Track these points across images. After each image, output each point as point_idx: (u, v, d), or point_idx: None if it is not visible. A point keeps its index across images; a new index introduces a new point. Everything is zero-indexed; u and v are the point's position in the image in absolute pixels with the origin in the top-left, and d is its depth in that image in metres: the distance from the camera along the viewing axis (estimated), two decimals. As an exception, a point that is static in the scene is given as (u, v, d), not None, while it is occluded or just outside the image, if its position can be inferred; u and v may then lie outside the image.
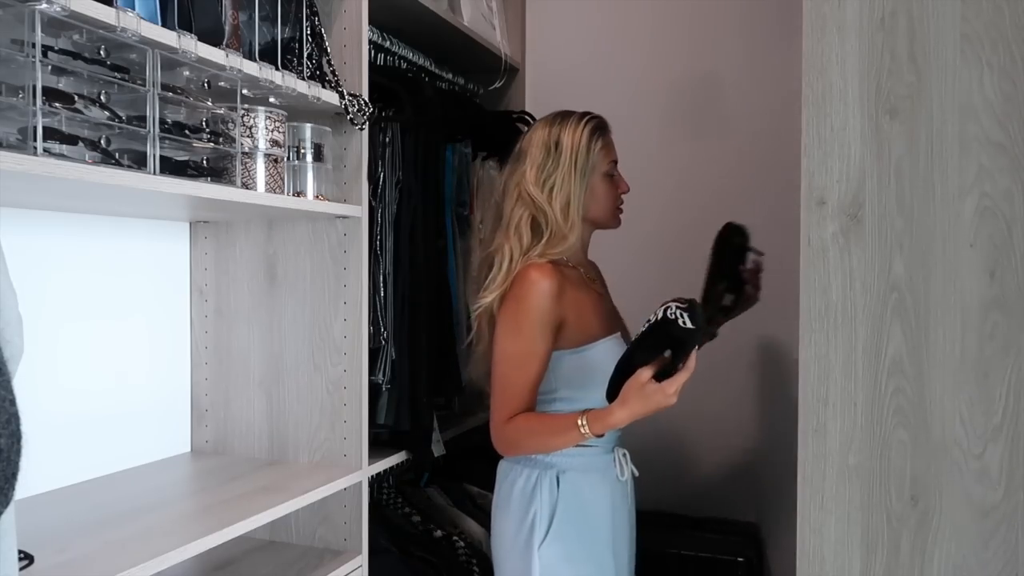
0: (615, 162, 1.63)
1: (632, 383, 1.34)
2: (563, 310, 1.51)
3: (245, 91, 1.35)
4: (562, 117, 1.61)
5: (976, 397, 1.13)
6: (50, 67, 1.02)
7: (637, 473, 1.67)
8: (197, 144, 1.26)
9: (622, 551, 1.64)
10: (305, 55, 1.49)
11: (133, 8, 1.12)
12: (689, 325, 1.27)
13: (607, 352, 1.53)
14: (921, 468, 1.15)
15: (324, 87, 1.53)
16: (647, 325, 1.33)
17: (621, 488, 1.64)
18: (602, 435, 1.43)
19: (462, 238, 2.06)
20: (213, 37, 1.27)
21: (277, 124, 1.42)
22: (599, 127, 1.61)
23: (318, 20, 1.55)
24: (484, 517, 1.95)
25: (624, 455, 1.64)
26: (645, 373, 1.33)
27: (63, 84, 1.05)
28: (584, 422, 1.41)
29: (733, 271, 1.77)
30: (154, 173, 1.14)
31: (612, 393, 1.38)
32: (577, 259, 1.64)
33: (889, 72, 1.16)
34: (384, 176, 1.75)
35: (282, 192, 1.46)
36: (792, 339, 1.21)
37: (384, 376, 1.73)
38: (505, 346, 1.51)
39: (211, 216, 1.71)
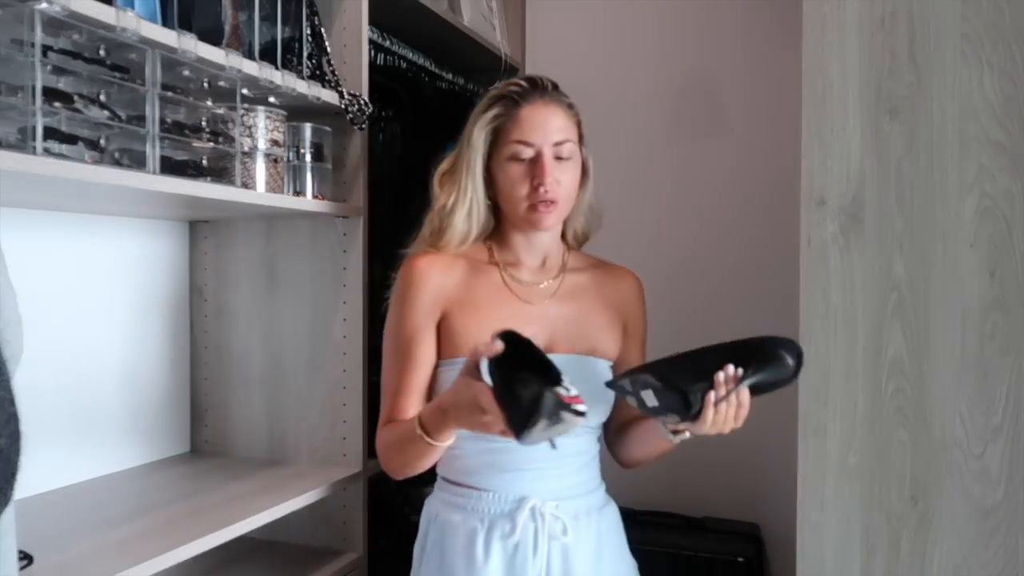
0: (525, 143, 1.18)
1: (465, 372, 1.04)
2: (444, 306, 1.22)
3: (245, 91, 1.35)
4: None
5: (976, 397, 1.13)
6: (50, 67, 1.02)
7: (568, 537, 1.15)
8: (197, 144, 1.26)
9: None
10: (305, 55, 1.49)
11: (133, 8, 1.12)
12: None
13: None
14: (921, 468, 1.15)
15: (324, 87, 1.53)
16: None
17: (523, 558, 1.14)
18: (446, 440, 1.09)
19: (462, 238, 2.06)
20: (213, 37, 1.27)
21: (277, 124, 1.42)
22: (511, 95, 1.20)
23: (318, 20, 1.55)
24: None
25: (537, 510, 1.15)
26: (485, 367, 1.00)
27: (63, 84, 1.05)
28: (418, 422, 1.10)
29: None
30: (154, 173, 1.14)
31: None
32: (511, 257, 1.28)
33: (889, 72, 1.16)
34: (384, 176, 1.75)
35: (282, 192, 1.46)
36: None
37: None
38: (383, 344, 1.27)
39: (211, 216, 1.71)
